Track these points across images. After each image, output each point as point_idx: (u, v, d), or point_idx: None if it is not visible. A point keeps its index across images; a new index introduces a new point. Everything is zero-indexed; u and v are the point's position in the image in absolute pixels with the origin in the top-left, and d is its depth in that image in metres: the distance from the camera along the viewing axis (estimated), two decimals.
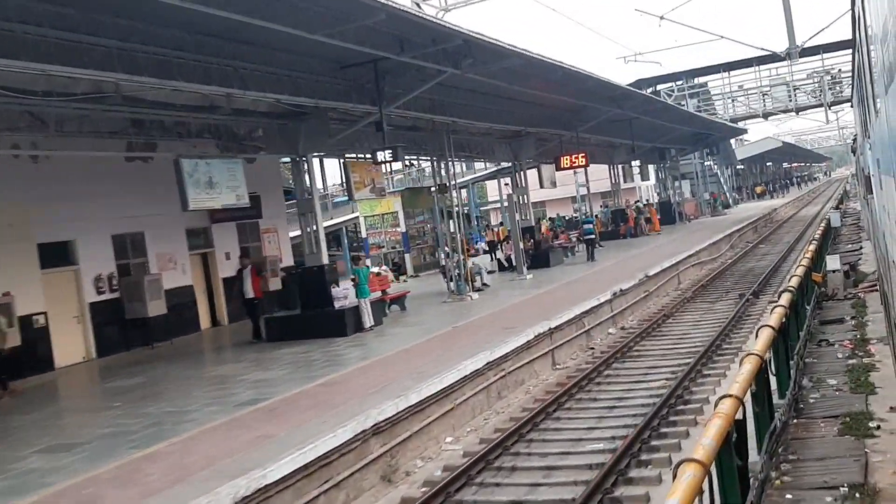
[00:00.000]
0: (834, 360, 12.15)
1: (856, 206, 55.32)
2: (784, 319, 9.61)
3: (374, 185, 21.16)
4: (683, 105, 47.43)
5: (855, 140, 31.20)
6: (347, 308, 16.40)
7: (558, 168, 28.74)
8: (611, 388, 12.57)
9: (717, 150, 50.62)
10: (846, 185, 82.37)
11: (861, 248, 28.64)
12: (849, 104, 49.60)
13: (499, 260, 29.57)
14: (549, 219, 53.77)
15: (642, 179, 49.08)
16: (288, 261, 24.37)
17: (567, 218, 53.53)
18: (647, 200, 54.36)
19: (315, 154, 17.09)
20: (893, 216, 4.52)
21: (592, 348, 16.40)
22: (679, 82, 52.19)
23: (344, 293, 16.47)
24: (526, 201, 28.79)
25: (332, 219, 42.01)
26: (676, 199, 48.75)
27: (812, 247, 18.66)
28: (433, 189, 21.97)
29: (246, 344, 17.32)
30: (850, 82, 22.62)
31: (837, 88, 49.62)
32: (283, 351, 15.29)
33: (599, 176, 52.43)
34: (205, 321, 21.43)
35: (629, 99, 27.49)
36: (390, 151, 15.71)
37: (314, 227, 16.63)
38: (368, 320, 16.48)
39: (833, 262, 19.61)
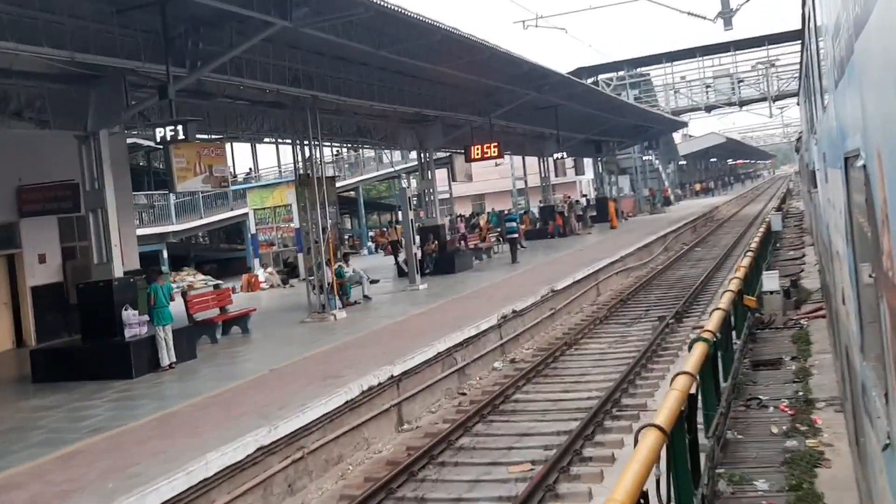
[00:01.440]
0: (766, 439, 8.64)
1: (799, 206, 53.09)
2: (694, 390, 6.09)
3: (212, 173, 15.38)
4: (622, 96, 44.22)
5: (800, 138, 30.65)
6: (141, 339, 12.37)
7: (468, 159, 25.00)
8: (454, 478, 8.79)
9: (656, 143, 47.59)
10: (789, 183, 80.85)
11: (804, 255, 25.61)
12: (793, 99, 47.14)
13: (398, 264, 25.76)
14: (488, 213, 50.35)
15: (576, 174, 45.65)
16: (133, 264, 20.12)
17: (506, 212, 50.06)
18: (585, 196, 51.19)
19: (110, 129, 12.99)
20: (838, 207, 4.54)
21: (464, 393, 12.69)
22: (621, 72, 49.03)
23: (139, 319, 12.44)
24: (432, 197, 25.05)
25: (231, 210, 37.77)
26: (612, 195, 45.55)
27: (746, 261, 15.25)
28: (300, 178, 17.99)
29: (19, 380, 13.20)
30: (798, 79, 21.75)
31: (783, 81, 46.96)
32: (30, 402, 11.23)
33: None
34: (5, 341, 17.18)
35: (545, 79, 23.82)
36: (175, 128, 11.63)
37: (103, 228, 12.56)
38: (167, 356, 12.41)
39: (771, 282, 16.28)
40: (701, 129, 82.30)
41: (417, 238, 22.41)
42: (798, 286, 19.32)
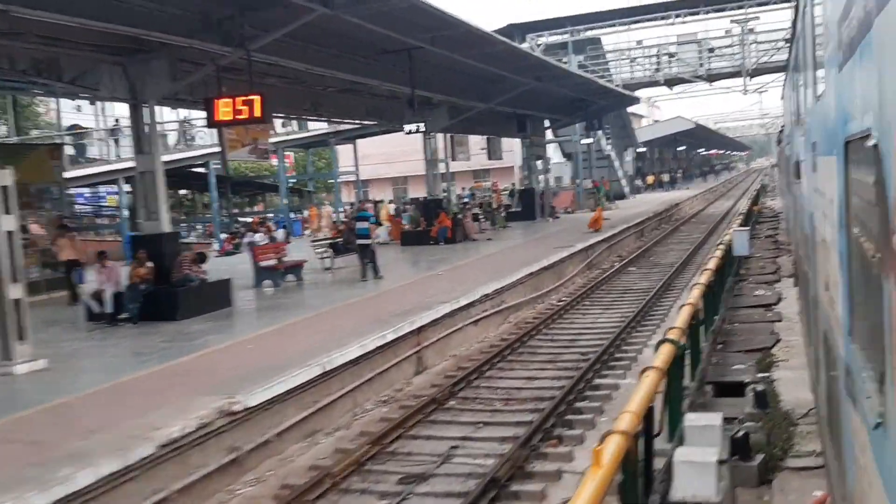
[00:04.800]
0: None
1: (775, 205, 43.95)
2: None
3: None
4: (565, 63, 34.45)
5: (782, 131, 27.50)
6: None
7: (211, 122, 15.13)
8: None
9: (598, 123, 38.00)
10: (765, 178, 72.16)
11: (779, 298, 16.21)
12: (772, 76, 37.98)
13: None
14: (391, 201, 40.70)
15: (490, 157, 35.69)
16: None
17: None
18: (513, 186, 41.52)
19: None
20: (829, 195, 4.62)
21: None
22: (563, 32, 39.22)
23: None
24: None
25: None
26: (541, 185, 35.90)
27: (669, 344, 6.08)
28: None
29: None
30: (784, 79, 19.16)
31: (762, 53, 37.53)
32: None
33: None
34: None
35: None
36: None
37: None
38: None
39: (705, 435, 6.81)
40: (672, 114, 72.92)
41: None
42: (772, 384, 9.98)
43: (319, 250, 21.60)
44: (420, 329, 13.09)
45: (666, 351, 7.56)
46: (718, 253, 14.42)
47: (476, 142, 36.45)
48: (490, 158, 35.63)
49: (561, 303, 18.38)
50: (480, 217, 30.81)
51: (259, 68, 17.51)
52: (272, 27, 15.02)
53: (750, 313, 14.96)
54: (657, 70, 39.02)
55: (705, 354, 11.40)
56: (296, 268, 19.44)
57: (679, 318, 9.11)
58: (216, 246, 32.19)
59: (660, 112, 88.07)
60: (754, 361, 11.64)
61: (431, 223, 25.88)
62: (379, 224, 28.88)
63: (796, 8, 8.35)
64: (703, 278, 11.68)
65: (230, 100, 15.20)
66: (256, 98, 14.96)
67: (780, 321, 14.10)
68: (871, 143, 2.53)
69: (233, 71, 16.47)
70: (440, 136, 30.70)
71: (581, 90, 30.02)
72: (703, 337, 11.48)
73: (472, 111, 26.17)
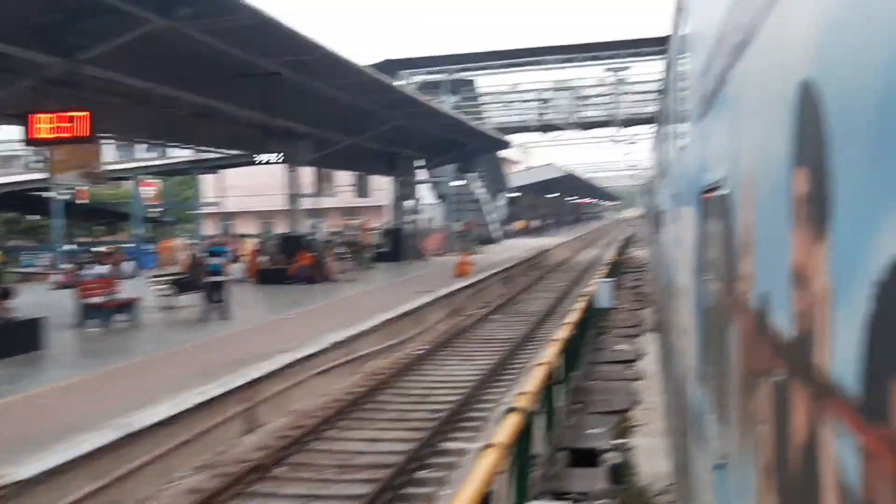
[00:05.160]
0: None
1: (641, 255, 44.95)
2: None
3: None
4: (441, 102, 33.90)
5: (649, 183, 28.62)
6: None
7: (29, 137, 13.34)
8: None
9: (470, 166, 37.66)
10: (632, 229, 74.50)
11: (641, 354, 15.78)
12: (643, 127, 38.99)
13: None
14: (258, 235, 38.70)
15: (359, 194, 34.46)
16: None
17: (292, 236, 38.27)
18: (384, 225, 40.47)
19: None
20: (687, 243, 4.81)
21: None
22: (439, 72, 38.83)
23: None
24: None
25: None
26: (411, 226, 35.01)
27: (507, 432, 5.32)
28: None
29: None
30: (652, 132, 20.70)
31: (635, 103, 38.43)
32: None
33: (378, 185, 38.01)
34: None
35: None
36: None
37: None
38: None
39: None
40: (545, 161, 74.40)
41: None
42: (624, 464, 9.17)
43: (159, 287, 19.62)
44: (254, 382, 11.64)
45: (512, 422, 6.59)
46: (580, 305, 13.78)
47: (345, 178, 35.24)
48: (359, 196, 34.47)
49: (419, 352, 17.30)
50: (345, 257, 29.51)
51: (97, 84, 15.80)
52: (105, 37, 13.42)
53: (610, 370, 14.38)
54: (532, 115, 39.20)
55: (561, 416, 10.59)
56: (128, 306, 17.48)
57: (531, 380, 8.20)
58: (55, 278, 29.25)
59: (533, 158, 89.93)
60: (612, 425, 10.92)
61: (290, 261, 24.32)
62: (235, 260, 27.06)
63: (666, 63, 8.50)
64: (562, 333, 10.90)
65: (51, 115, 13.41)
66: (82, 115, 13.26)
67: (639, 379, 13.57)
68: (721, 192, 2.61)
69: (67, 85, 14.72)
70: (307, 169, 29.35)
71: (452, 130, 29.47)
72: (560, 396, 10.68)
73: (340, 145, 25.00)
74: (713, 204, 3.04)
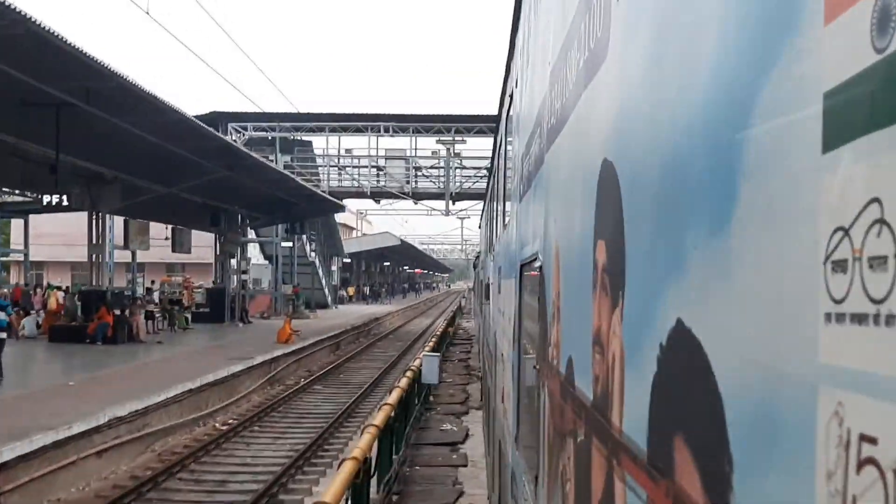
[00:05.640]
0: None
1: (469, 326, 44.80)
2: None
3: None
4: (271, 160, 32.31)
5: (478, 256, 29.44)
6: None
7: None
8: None
9: (300, 227, 36.17)
10: (462, 300, 75.05)
11: (467, 434, 14.80)
12: (473, 202, 39.29)
13: None
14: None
15: (175, 249, 31.88)
16: None
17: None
18: (207, 285, 37.87)
19: None
20: (508, 314, 5.06)
21: None
22: (268, 128, 37.29)
23: None
24: None
25: None
26: (235, 286, 32.77)
27: None
28: None
29: None
30: (482, 208, 21.50)
31: (466, 178, 38.58)
32: None
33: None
34: None
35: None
36: None
37: None
38: None
39: None
40: (382, 229, 73.90)
41: None
42: None
43: None
44: (1, 466, 9.50)
45: None
46: (403, 383, 12.63)
47: (160, 230, 32.65)
48: (175, 251, 31.93)
49: (224, 427, 15.44)
50: (156, 315, 26.88)
51: None
52: None
53: (434, 454, 13.24)
54: (366, 181, 38.43)
55: None
56: None
57: (337, 477, 6.88)
58: None
59: (370, 226, 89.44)
60: None
61: (89, 318, 21.59)
62: (25, 313, 23.84)
63: (494, 143, 8.81)
64: (380, 417, 9.66)
65: None
66: None
67: (465, 466, 12.52)
68: (536, 264, 2.87)
69: None
70: (118, 219, 26.76)
71: (281, 189, 27.96)
72: (373, 490, 9.41)
73: (152, 194, 22.82)
74: (529, 275, 3.26)
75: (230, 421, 16.24)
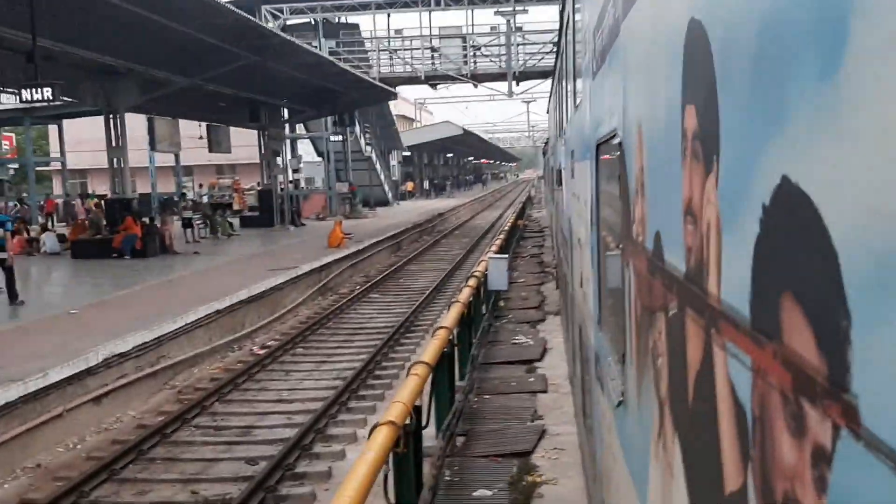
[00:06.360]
0: None
1: (541, 217, 41.90)
2: None
3: None
4: (314, 46, 29.20)
5: (547, 142, 27.46)
6: None
7: None
8: None
9: (349, 119, 33.21)
10: (532, 189, 71.90)
11: (545, 349, 12.22)
12: (538, 81, 35.78)
13: None
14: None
15: (211, 149, 29.42)
16: None
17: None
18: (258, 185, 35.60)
19: None
20: (584, 197, 5.00)
21: None
22: (311, 10, 33.98)
23: None
24: None
25: None
26: (283, 187, 30.39)
27: None
28: None
29: None
30: (549, 91, 17.63)
31: (528, 55, 34.78)
32: None
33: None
34: None
35: None
36: None
37: None
38: None
39: None
40: (440, 119, 70.35)
41: None
42: None
43: None
44: None
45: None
46: (463, 297, 9.97)
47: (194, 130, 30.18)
48: (212, 150, 29.51)
49: (262, 351, 13.20)
50: (197, 223, 24.78)
51: None
52: None
53: (506, 376, 10.68)
54: (419, 65, 35.01)
55: (430, 471, 6.83)
56: None
57: (370, 444, 4.42)
58: None
59: (431, 117, 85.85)
60: (506, 484, 7.22)
61: (114, 229, 19.46)
62: (23, 232, 21.88)
63: (561, 19, 8.65)
64: (430, 352, 7.06)
65: None
66: None
67: (544, 391, 9.95)
68: (616, 141, 2.76)
69: None
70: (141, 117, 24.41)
71: (322, 76, 24.94)
72: (434, 433, 7.04)
73: (173, 87, 20.16)
74: (607, 154, 3.25)
75: (270, 343, 14.01)
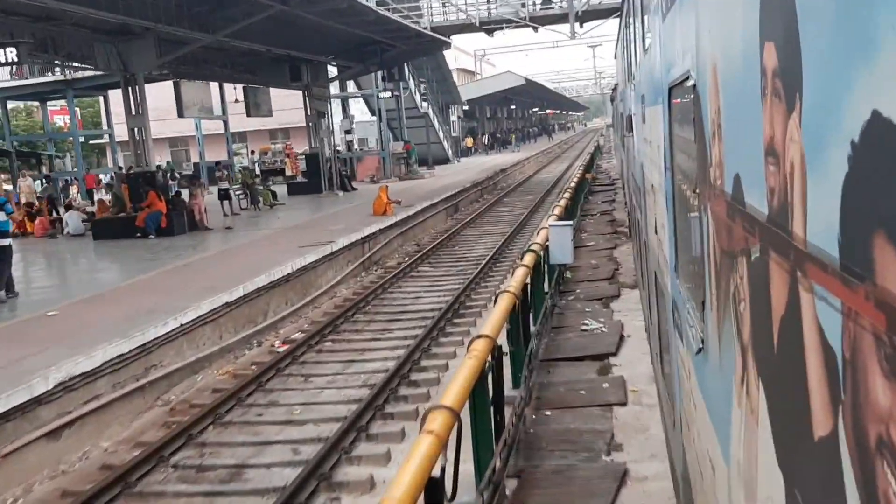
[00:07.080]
0: None
1: (611, 167, 38.95)
2: None
3: None
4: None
5: (615, 89, 26.63)
6: None
7: None
8: None
9: (398, 73, 30.73)
10: (600, 138, 68.38)
11: (621, 337, 9.78)
12: (602, 21, 32.69)
13: None
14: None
15: (249, 113, 27.32)
16: None
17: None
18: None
19: None
20: (656, 142, 4.90)
21: None
22: None
23: None
24: None
25: None
26: (330, 150, 28.25)
27: None
28: None
29: None
30: (616, 35, 16.69)
31: None
32: None
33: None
34: None
35: None
36: None
37: None
38: None
39: None
40: (502, 70, 67.00)
41: None
42: None
43: None
44: None
45: None
46: (516, 282, 7.64)
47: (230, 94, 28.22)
48: (250, 115, 27.52)
49: (285, 347, 11.17)
50: (236, 193, 22.93)
51: None
52: None
53: (572, 380, 8.33)
54: (475, 10, 32.16)
55: None
56: None
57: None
58: None
59: (493, 69, 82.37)
60: None
61: (138, 207, 17.69)
62: (46, 212, 20.32)
63: None
64: (467, 369, 4.81)
65: None
66: None
67: (623, 405, 7.60)
68: (689, 83, 2.66)
69: None
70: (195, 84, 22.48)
71: (362, 26, 22.56)
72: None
73: (195, 44, 18.09)
74: (680, 97, 3.15)
75: (295, 335, 11.98)
